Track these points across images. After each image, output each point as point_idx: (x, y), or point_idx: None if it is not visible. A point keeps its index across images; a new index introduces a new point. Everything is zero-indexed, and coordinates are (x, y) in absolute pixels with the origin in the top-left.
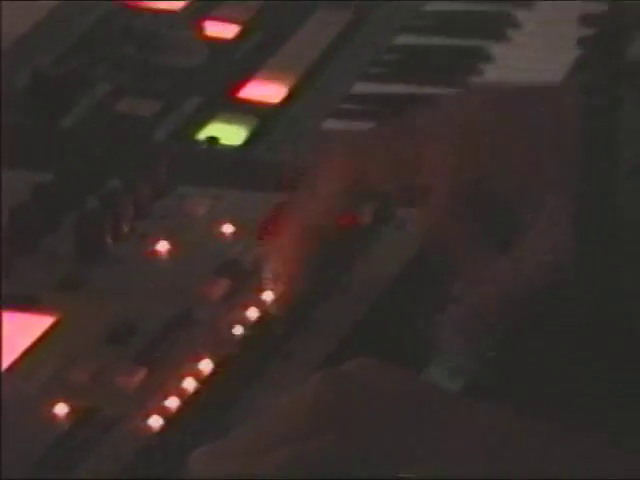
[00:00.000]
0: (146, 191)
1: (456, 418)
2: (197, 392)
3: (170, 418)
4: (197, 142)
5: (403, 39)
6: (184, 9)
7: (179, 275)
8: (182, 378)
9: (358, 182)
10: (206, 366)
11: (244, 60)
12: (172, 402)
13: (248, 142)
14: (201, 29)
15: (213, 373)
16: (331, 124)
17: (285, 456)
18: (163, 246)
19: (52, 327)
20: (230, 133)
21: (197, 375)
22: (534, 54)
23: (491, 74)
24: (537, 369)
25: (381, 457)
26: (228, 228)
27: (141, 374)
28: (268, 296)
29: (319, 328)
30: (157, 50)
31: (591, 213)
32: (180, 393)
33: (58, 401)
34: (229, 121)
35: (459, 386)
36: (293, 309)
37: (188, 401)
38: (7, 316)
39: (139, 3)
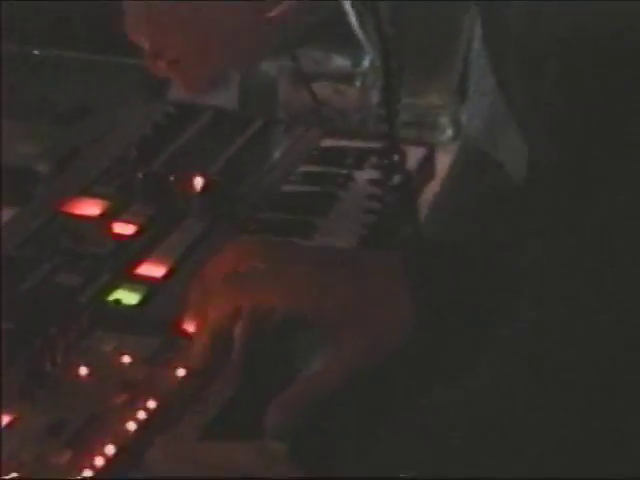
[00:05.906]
0: (73, 335)
1: None
2: (104, 467)
3: None
4: (107, 302)
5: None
6: (100, 215)
7: (94, 390)
8: (94, 457)
9: None
10: (110, 450)
11: (139, 249)
12: (87, 473)
13: (140, 303)
14: (111, 228)
15: (115, 454)
16: None
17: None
18: (83, 371)
19: (10, 423)
20: (129, 297)
21: (103, 455)
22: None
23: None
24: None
25: None
26: (127, 359)
27: (68, 454)
28: (152, 404)
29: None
30: (81, 242)
31: None
32: (93, 467)
33: (12, 472)
34: (128, 289)
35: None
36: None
37: (98, 472)
38: None
39: (70, 211)
